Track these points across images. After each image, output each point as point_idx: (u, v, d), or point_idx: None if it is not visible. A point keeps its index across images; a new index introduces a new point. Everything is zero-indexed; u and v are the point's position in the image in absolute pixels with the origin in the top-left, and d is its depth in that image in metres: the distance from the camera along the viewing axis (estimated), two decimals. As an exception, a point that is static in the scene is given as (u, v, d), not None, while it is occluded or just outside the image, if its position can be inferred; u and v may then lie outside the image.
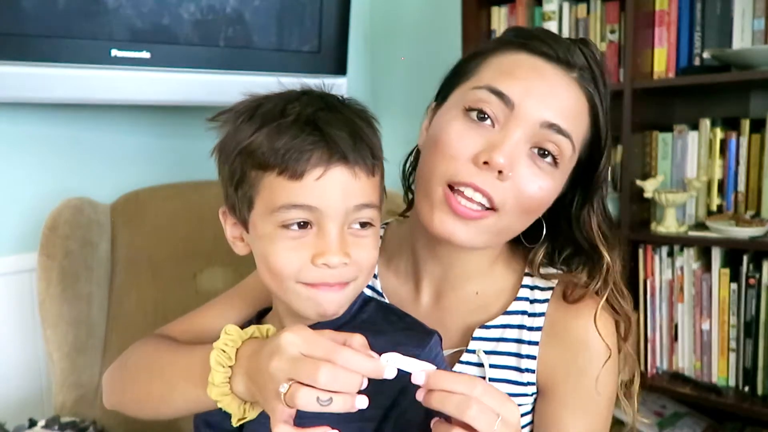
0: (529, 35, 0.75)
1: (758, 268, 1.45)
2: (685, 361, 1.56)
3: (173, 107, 1.49)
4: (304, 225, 0.64)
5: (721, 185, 1.55)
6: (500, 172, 0.68)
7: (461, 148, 0.70)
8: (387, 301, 0.83)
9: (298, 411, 0.56)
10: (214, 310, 0.86)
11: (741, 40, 1.47)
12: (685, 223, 1.57)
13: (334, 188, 0.62)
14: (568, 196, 0.78)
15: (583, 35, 1.61)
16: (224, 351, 0.63)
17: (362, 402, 0.54)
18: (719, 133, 1.53)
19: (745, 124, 1.51)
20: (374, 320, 0.73)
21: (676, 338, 1.56)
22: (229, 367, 0.62)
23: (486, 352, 0.78)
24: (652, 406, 1.62)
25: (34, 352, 1.40)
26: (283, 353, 0.56)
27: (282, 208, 0.62)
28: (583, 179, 0.77)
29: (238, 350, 0.63)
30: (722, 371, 1.51)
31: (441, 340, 0.73)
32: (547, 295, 0.79)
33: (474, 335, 0.79)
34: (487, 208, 0.70)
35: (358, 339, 0.58)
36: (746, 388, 1.48)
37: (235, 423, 0.64)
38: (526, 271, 0.81)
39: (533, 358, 0.77)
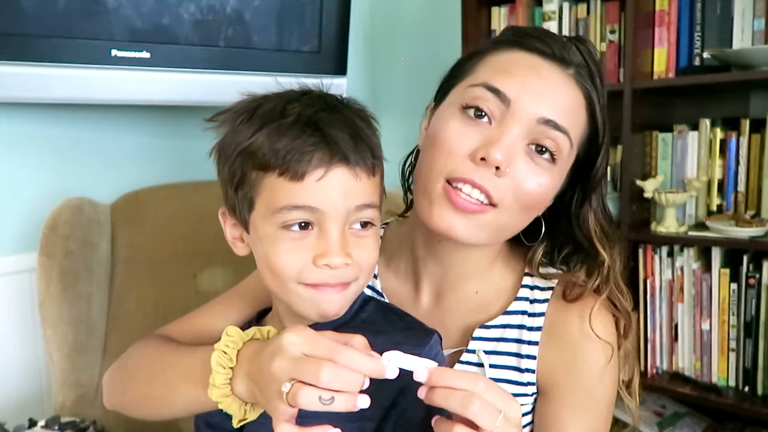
0: (525, 33, 0.75)
1: (758, 268, 1.45)
2: (685, 361, 1.56)
3: (173, 107, 1.49)
4: (305, 226, 0.64)
5: (721, 185, 1.55)
6: (498, 168, 0.68)
7: (459, 144, 0.70)
8: (387, 300, 0.83)
9: (299, 411, 0.56)
10: (215, 311, 0.86)
11: (741, 40, 1.47)
12: (685, 223, 1.57)
13: (335, 189, 0.62)
14: (567, 194, 0.78)
15: (583, 35, 1.61)
16: (225, 352, 0.63)
17: (364, 401, 0.54)
18: (719, 133, 1.53)
19: (745, 124, 1.51)
20: (374, 320, 0.73)
21: (676, 338, 1.56)
22: (230, 368, 0.62)
23: (486, 352, 0.78)
24: (652, 406, 1.62)
25: (34, 352, 1.40)
26: (285, 353, 0.56)
27: (283, 209, 0.62)
28: (582, 177, 0.77)
29: (239, 351, 0.63)
30: (722, 371, 1.51)
31: (441, 339, 0.73)
32: (547, 295, 0.79)
33: (474, 335, 0.79)
34: (486, 204, 0.70)
35: (359, 339, 0.58)
36: (746, 388, 1.48)
37: (235, 424, 0.64)
38: (526, 270, 0.81)
39: (533, 358, 0.77)
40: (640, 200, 1.58)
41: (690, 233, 1.51)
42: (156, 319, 1.30)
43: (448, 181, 0.70)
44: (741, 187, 1.52)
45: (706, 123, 1.55)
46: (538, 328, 0.77)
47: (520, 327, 0.78)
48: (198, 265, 1.41)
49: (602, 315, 0.76)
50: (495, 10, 1.76)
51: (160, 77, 1.36)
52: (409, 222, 0.85)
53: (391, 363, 0.56)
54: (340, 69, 1.59)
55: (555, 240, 0.81)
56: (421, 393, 0.58)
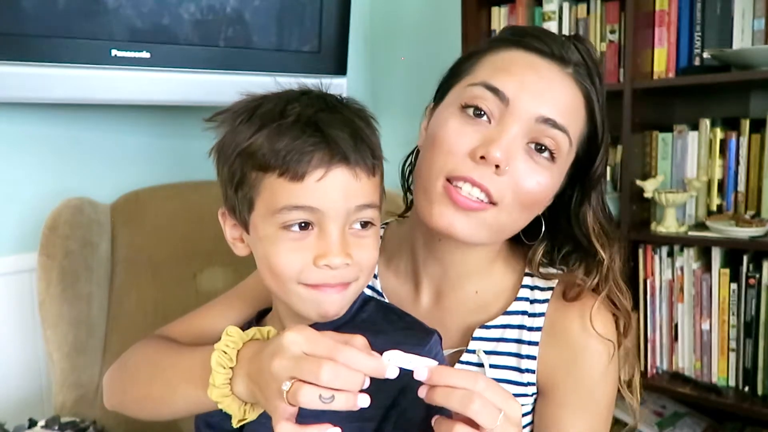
0: (524, 33, 0.76)
1: (758, 268, 1.45)
2: (685, 361, 1.56)
3: (173, 107, 1.49)
4: (305, 226, 0.64)
5: (721, 185, 1.55)
6: (497, 166, 0.68)
7: (458, 143, 0.70)
8: (387, 300, 0.83)
9: (299, 410, 0.56)
10: (214, 311, 0.86)
11: (741, 40, 1.47)
12: (685, 223, 1.57)
13: (335, 189, 0.62)
14: (566, 193, 0.78)
15: (583, 35, 1.61)
16: (225, 352, 0.63)
17: (364, 400, 0.54)
18: (719, 133, 1.53)
19: (745, 124, 1.51)
20: (374, 320, 0.73)
21: (676, 338, 1.56)
22: (230, 368, 0.62)
23: (486, 353, 0.78)
24: (652, 406, 1.62)
25: (34, 352, 1.40)
26: (285, 352, 0.56)
27: (283, 209, 0.62)
28: (581, 175, 0.77)
29: (239, 351, 0.63)
30: (722, 371, 1.51)
31: (441, 339, 0.73)
32: (547, 295, 0.79)
33: (474, 335, 0.79)
34: (486, 203, 0.70)
35: (360, 340, 0.58)
36: (746, 388, 1.48)
37: (235, 424, 0.64)
38: (526, 270, 0.81)
39: (533, 358, 0.77)
40: (640, 200, 1.58)
41: (690, 233, 1.51)
42: (156, 319, 1.30)
43: (449, 180, 0.70)
44: (741, 187, 1.52)
45: (706, 123, 1.54)
46: (538, 329, 0.77)
47: (520, 327, 0.78)
48: (198, 265, 1.42)
49: (602, 314, 0.76)
50: (495, 10, 1.76)
51: (160, 77, 1.36)
52: (409, 222, 0.85)
53: (392, 362, 0.56)
54: (340, 69, 1.59)
55: (555, 239, 0.81)
56: (422, 392, 0.58)
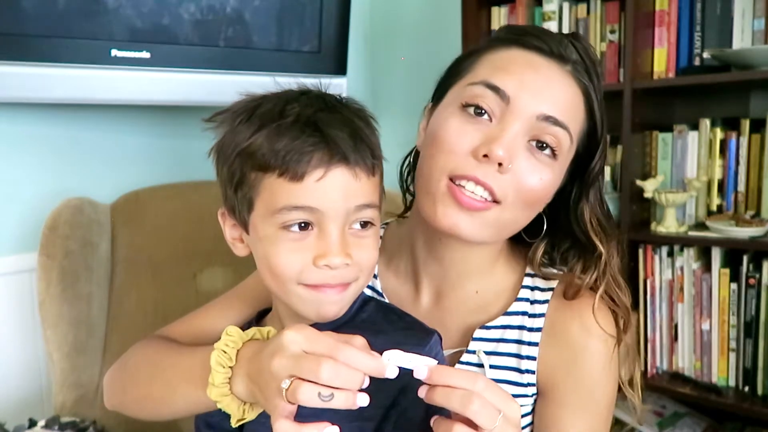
0: (522, 31, 0.76)
1: (758, 268, 1.45)
2: (685, 361, 1.56)
3: (173, 107, 1.49)
4: (305, 226, 0.64)
5: (721, 185, 1.55)
6: (500, 164, 0.68)
7: (460, 142, 0.70)
8: (387, 301, 0.83)
9: (298, 410, 0.56)
10: (214, 311, 0.86)
11: (741, 40, 1.47)
12: (685, 223, 1.57)
13: (334, 189, 0.62)
14: (566, 189, 0.78)
15: (583, 35, 1.61)
16: (225, 352, 0.63)
17: (363, 399, 0.54)
18: (719, 133, 1.53)
19: (745, 124, 1.51)
20: (374, 320, 0.73)
21: (676, 338, 1.56)
22: (230, 367, 0.62)
23: (486, 353, 0.78)
24: (652, 406, 1.62)
25: (34, 352, 1.40)
26: (285, 351, 0.56)
27: (283, 209, 0.62)
28: (581, 172, 0.77)
29: (238, 351, 0.63)
30: (722, 371, 1.51)
31: (441, 339, 0.73)
32: (548, 295, 0.79)
33: (474, 336, 0.79)
34: (490, 201, 0.70)
35: (359, 340, 0.58)
36: (746, 388, 1.48)
37: (234, 424, 0.64)
38: (527, 271, 0.81)
39: (533, 359, 0.77)
40: (640, 200, 1.58)
41: (690, 233, 1.51)
42: (156, 319, 1.30)
43: (451, 180, 0.70)
44: (741, 187, 1.52)
45: (706, 123, 1.55)
46: (538, 329, 0.77)
47: (521, 328, 0.78)
48: (198, 265, 1.42)
49: (601, 311, 0.76)
50: (495, 10, 1.76)
51: (160, 77, 1.36)
52: (409, 222, 0.85)
53: (391, 362, 0.56)
54: (340, 69, 1.59)
55: (554, 236, 0.81)
56: (422, 392, 0.58)
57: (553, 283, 0.79)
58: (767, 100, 1.57)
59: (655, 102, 1.59)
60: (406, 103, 1.88)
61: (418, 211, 0.78)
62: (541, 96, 0.71)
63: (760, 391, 1.46)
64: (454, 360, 0.79)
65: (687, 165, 1.58)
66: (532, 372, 0.77)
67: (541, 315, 0.78)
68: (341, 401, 0.54)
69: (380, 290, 0.85)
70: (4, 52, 1.18)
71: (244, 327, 0.67)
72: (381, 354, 0.57)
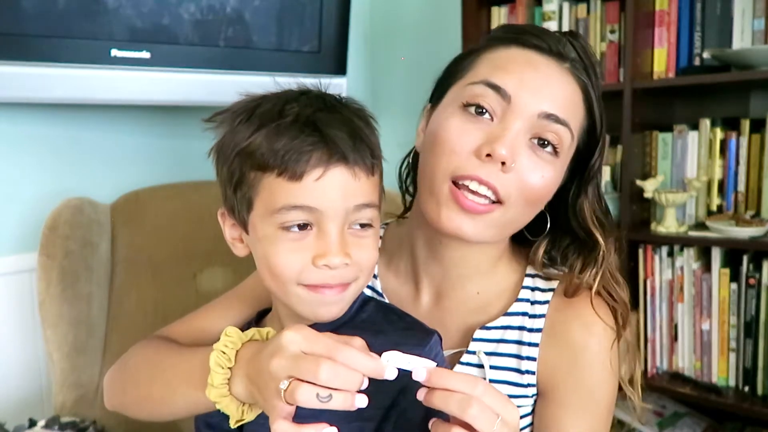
0: (520, 30, 0.76)
1: (758, 268, 1.45)
2: (685, 361, 1.56)
3: (173, 107, 1.49)
4: (304, 226, 0.63)
5: (721, 185, 1.55)
6: (503, 163, 0.69)
7: (462, 142, 0.70)
8: (387, 301, 0.83)
9: (297, 410, 0.56)
10: (214, 312, 0.86)
11: (741, 40, 1.47)
12: (685, 223, 1.57)
13: (333, 189, 0.62)
14: (566, 187, 0.78)
15: (583, 35, 1.61)
16: (224, 353, 0.63)
17: (362, 401, 0.54)
18: (719, 133, 1.53)
19: (745, 124, 1.51)
20: (374, 320, 0.73)
21: (676, 338, 1.56)
22: (229, 368, 0.62)
23: (486, 354, 0.78)
24: (652, 406, 1.62)
25: (34, 352, 1.40)
26: (284, 351, 0.56)
27: (282, 209, 0.62)
28: (581, 168, 0.78)
29: (237, 352, 0.63)
30: (722, 371, 1.51)
31: (441, 339, 0.73)
32: (548, 296, 0.79)
33: (474, 336, 0.79)
34: (493, 202, 0.70)
35: (358, 341, 0.58)
36: (746, 388, 1.48)
37: (233, 425, 0.64)
38: (527, 271, 0.81)
39: (533, 359, 0.77)
40: (640, 200, 1.58)
41: (690, 233, 1.51)
42: (156, 319, 1.30)
43: (454, 182, 0.70)
44: (741, 187, 1.52)
45: (706, 123, 1.54)
46: (539, 330, 0.77)
47: (521, 328, 0.78)
48: (198, 265, 1.41)
49: (600, 307, 0.76)
50: (495, 10, 1.76)
51: (160, 77, 1.36)
52: (409, 222, 0.85)
53: (390, 363, 0.56)
54: (340, 69, 1.59)
55: (554, 234, 0.81)
56: (420, 394, 0.58)
57: (554, 284, 0.80)
58: (767, 100, 1.57)
59: (655, 102, 1.59)
60: (406, 103, 1.87)
61: (418, 211, 0.78)
62: (541, 94, 0.71)
63: (760, 391, 1.46)
64: (454, 360, 0.79)
65: (687, 165, 1.58)
66: (532, 373, 0.77)
67: (542, 316, 0.78)
68: (340, 402, 0.54)
69: (380, 290, 0.85)
70: (4, 52, 1.18)
71: (244, 327, 0.67)
72: (380, 355, 0.57)
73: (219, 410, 0.63)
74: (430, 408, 0.58)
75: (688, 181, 1.55)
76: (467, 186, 0.70)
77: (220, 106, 0.69)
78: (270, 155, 0.62)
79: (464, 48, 1.71)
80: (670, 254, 1.55)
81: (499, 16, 1.75)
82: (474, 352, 0.78)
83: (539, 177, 0.71)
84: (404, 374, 0.57)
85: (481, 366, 0.77)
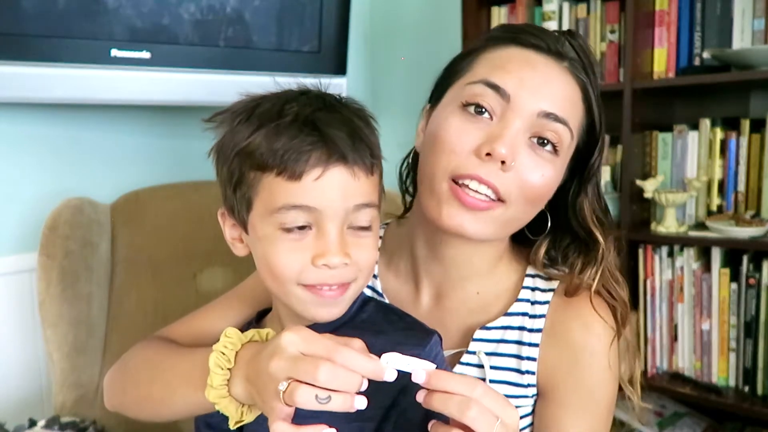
0: (518, 29, 0.76)
1: (758, 268, 1.45)
2: (685, 361, 1.56)
3: (173, 107, 1.49)
4: (303, 226, 0.63)
5: (721, 185, 1.55)
6: (503, 162, 0.69)
7: (462, 142, 0.70)
8: (387, 301, 0.83)
9: (296, 411, 0.56)
10: (214, 312, 0.86)
11: (741, 40, 1.47)
12: (685, 223, 1.57)
13: (333, 188, 0.62)
14: (567, 185, 0.79)
15: (583, 35, 1.61)
16: (223, 353, 0.63)
17: (361, 402, 0.54)
18: (719, 133, 1.53)
19: (745, 124, 1.51)
20: (374, 320, 0.73)
21: (676, 338, 1.56)
22: (228, 369, 0.62)
23: (486, 354, 0.78)
24: (652, 406, 1.62)
25: (34, 352, 1.40)
26: (283, 352, 0.56)
27: (281, 209, 0.62)
28: (580, 167, 0.78)
29: (237, 353, 0.63)
30: (722, 371, 1.51)
31: (441, 340, 0.73)
32: (548, 296, 0.79)
33: (474, 336, 0.79)
34: (494, 200, 0.70)
35: (358, 343, 0.58)
36: (746, 388, 1.48)
37: (232, 425, 0.64)
38: (528, 271, 0.81)
39: (533, 359, 0.77)
40: (640, 200, 1.58)
41: (690, 233, 1.51)
42: (156, 319, 1.30)
43: (454, 180, 0.70)
44: (741, 187, 1.52)
45: (706, 123, 1.54)
46: (539, 330, 0.77)
47: (521, 329, 0.78)
48: (198, 265, 1.41)
49: (600, 306, 0.76)
50: (495, 10, 1.76)
51: (160, 77, 1.35)
52: (409, 222, 0.85)
53: (390, 365, 0.56)
54: (340, 69, 1.59)
55: (555, 233, 0.81)
56: (420, 396, 0.58)
57: (554, 284, 0.80)
58: (767, 100, 1.57)
59: (655, 102, 1.59)
60: (406, 103, 1.87)
61: (418, 211, 0.78)
62: (540, 93, 0.71)
63: (760, 391, 1.46)
64: (454, 360, 0.79)
65: (687, 165, 1.58)
66: (533, 373, 0.77)
67: (542, 316, 0.78)
68: (339, 404, 0.53)
69: (380, 291, 0.85)
70: (4, 52, 1.18)
71: (244, 328, 0.67)
72: (380, 356, 0.57)
73: (219, 411, 0.63)
74: (431, 409, 0.58)
75: (688, 181, 1.55)
76: (467, 185, 0.70)
77: (220, 106, 0.69)
78: (269, 155, 0.62)
79: (464, 48, 1.70)
80: (670, 254, 1.55)
81: (499, 16, 1.75)
82: (474, 353, 0.78)
83: (539, 176, 0.71)
84: (405, 374, 0.57)
85: (481, 366, 0.77)
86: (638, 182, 1.54)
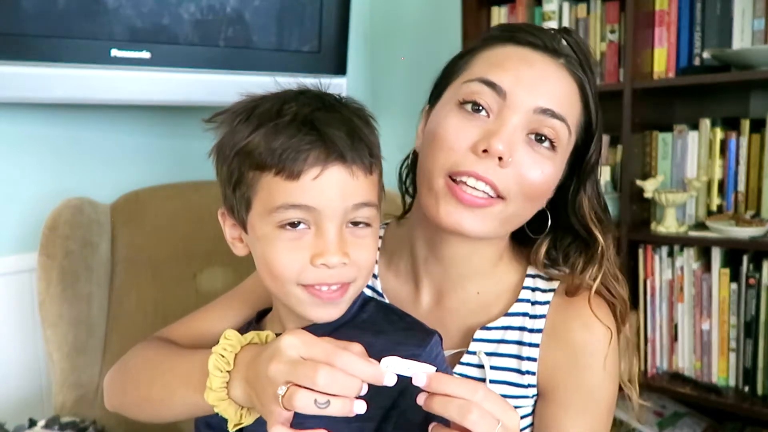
0: (515, 28, 0.77)
1: (758, 268, 1.45)
2: (685, 361, 1.56)
3: (173, 107, 1.49)
4: (302, 225, 0.63)
5: (721, 185, 1.55)
6: (500, 158, 0.69)
7: (459, 139, 0.70)
8: (387, 301, 0.83)
9: (297, 414, 0.56)
10: (214, 313, 0.86)
11: (741, 40, 1.47)
12: (685, 223, 1.57)
13: (331, 188, 0.62)
14: (566, 183, 0.79)
15: (583, 35, 1.61)
16: (223, 356, 0.63)
17: (360, 407, 0.54)
18: (719, 133, 1.53)
19: (745, 124, 1.50)
20: (374, 320, 0.73)
21: (676, 338, 1.56)
22: (227, 371, 0.62)
23: (487, 354, 0.78)
24: (652, 406, 1.62)
25: (34, 352, 1.40)
26: (282, 356, 0.56)
27: (280, 208, 0.62)
28: (578, 164, 0.78)
29: (236, 355, 0.63)
30: (722, 371, 1.51)
31: (441, 340, 0.73)
32: (548, 296, 0.79)
33: (475, 336, 0.79)
34: (492, 197, 0.70)
35: (357, 347, 0.58)
36: (746, 388, 1.48)
37: (231, 428, 0.63)
38: (528, 271, 0.81)
39: (534, 360, 0.76)
40: (640, 200, 1.58)
41: (690, 233, 1.51)
42: (156, 319, 1.30)
43: (452, 177, 0.70)
44: (741, 187, 1.52)
45: (706, 123, 1.54)
46: (539, 330, 0.77)
47: (521, 329, 0.78)
48: (198, 265, 1.41)
49: (600, 306, 0.76)
50: (495, 9, 1.76)
51: (160, 77, 1.35)
52: (409, 222, 0.85)
53: (390, 369, 0.56)
54: (340, 69, 1.59)
55: (555, 232, 0.81)
56: (420, 399, 0.58)
57: (554, 284, 0.79)
58: (767, 100, 1.57)
59: (655, 102, 1.59)
60: (406, 103, 1.87)
61: (418, 211, 0.78)
62: (537, 90, 0.71)
63: (760, 391, 1.46)
64: (454, 361, 0.79)
65: (687, 165, 1.58)
66: (533, 373, 0.77)
67: (542, 316, 0.78)
68: (338, 408, 0.53)
69: (380, 291, 0.85)
70: (4, 52, 1.18)
71: (244, 328, 0.67)
72: (380, 359, 0.56)
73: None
74: (431, 412, 0.58)
75: (688, 181, 1.55)
76: (465, 182, 0.70)
77: (220, 106, 0.69)
78: (268, 154, 0.62)
79: (464, 48, 1.71)
80: (670, 254, 1.55)
81: (499, 16, 1.75)
82: (474, 353, 0.78)
83: (539, 173, 0.71)
84: (404, 377, 0.57)
85: (481, 366, 0.77)
86: (638, 182, 1.54)
